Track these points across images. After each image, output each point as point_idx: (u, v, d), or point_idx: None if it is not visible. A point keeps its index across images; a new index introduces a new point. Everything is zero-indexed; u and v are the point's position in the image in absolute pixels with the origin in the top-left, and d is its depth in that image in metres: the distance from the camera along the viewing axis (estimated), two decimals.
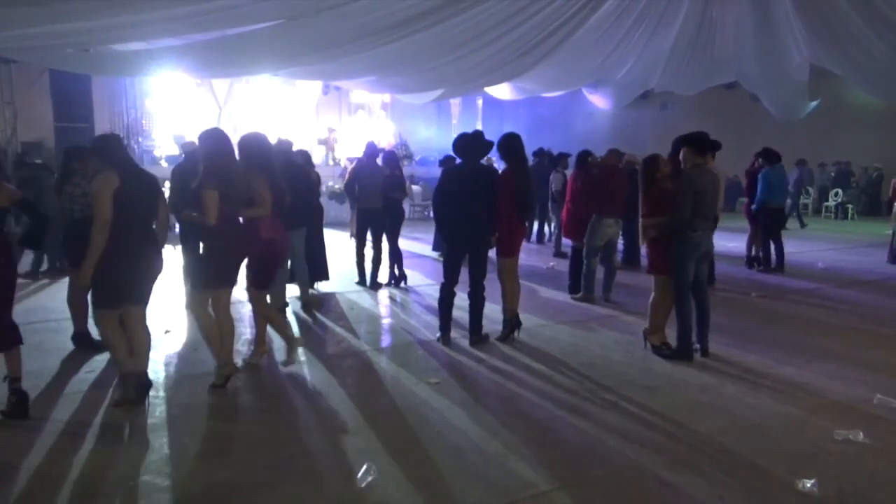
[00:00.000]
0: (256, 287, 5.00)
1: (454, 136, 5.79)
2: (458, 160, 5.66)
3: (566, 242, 9.50)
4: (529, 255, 10.81)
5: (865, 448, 3.63)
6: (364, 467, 3.28)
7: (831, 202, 19.07)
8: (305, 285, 6.96)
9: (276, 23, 8.65)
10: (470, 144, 5.49)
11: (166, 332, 5.96)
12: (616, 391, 4.54)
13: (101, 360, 5.11)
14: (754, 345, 5.69)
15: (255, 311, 5.23)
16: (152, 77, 16.58)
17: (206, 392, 4.46)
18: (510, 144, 5.68)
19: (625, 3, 9.92)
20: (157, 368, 4.95)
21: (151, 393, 4.40)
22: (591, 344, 5.73)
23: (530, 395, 4.46)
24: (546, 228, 12.47)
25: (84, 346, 5.39)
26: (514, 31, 9.87)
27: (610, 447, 3.66)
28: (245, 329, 6.01)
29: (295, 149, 8.11)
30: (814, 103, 14.59)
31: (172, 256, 9.65)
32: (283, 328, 5.23)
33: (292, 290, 6.98)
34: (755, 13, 10.30)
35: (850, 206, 18.52)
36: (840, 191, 19.09)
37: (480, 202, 5.37)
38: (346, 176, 8.31)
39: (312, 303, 6.98)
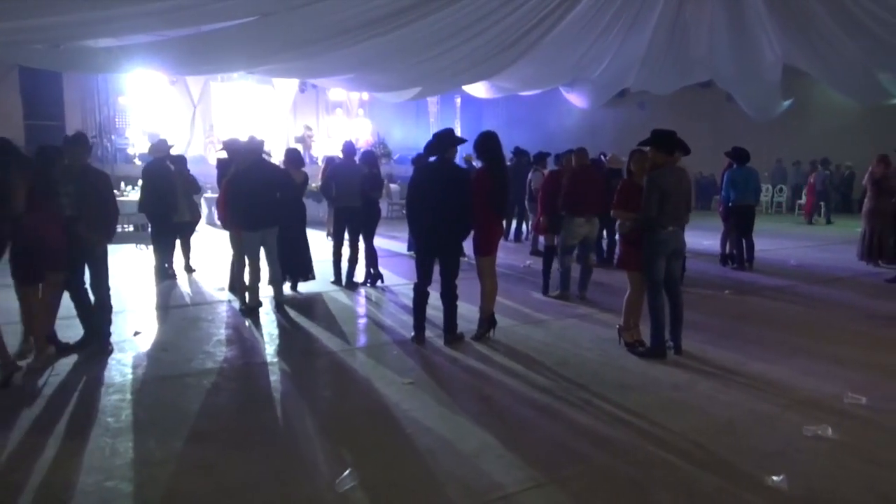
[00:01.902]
0: (18, 280, 4.86)
1: (432, 134, 5.75)
2: (431, 158, 5.63)
3: (542, 241, 9.54)
4: (507, 254, 10.81)
5: (835, 444, 3.66)
6: (346, 472, 3.21)
7: (805, 200, 19.31)
8: (279, 285, 6.87)
9: (249, 19, 8.55)
10: (438, 141, 5.47)
11: (136, 333, 5.84)
12: (590, 389, 4.54)
13: (68, 363, 4.99)
14: (727, 342, 5.73)
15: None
16: (126, 74, 16.38)
17: (175, 394, 4.37)
18: (486, 143, 5.65)
19: (600, 1, 9.96)
20: (124, 371, 4.85)
21: (118, 396, 4.31)
22: (566, 342, 5.73)
23: (504, 395, 4.44)
24: (524, 227, 12.50)
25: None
26: (490, 30, 9.87)
27: (583, 446, 3.65)
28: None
29: (285, 148, 8.05)
30: (787, 103, 14.79)
31: (143, 257, 9.54)
32: (35, 328, 4.95)
33: (267, 290, 6.90)
34: (728, 12, 10.40)
35: (822, 203, 18.77)
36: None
37: (452, 201, 5.33)
38: (321, 175, 8.25)
39: (283, 302, 6.91)
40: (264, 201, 6.34)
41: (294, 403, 4.29)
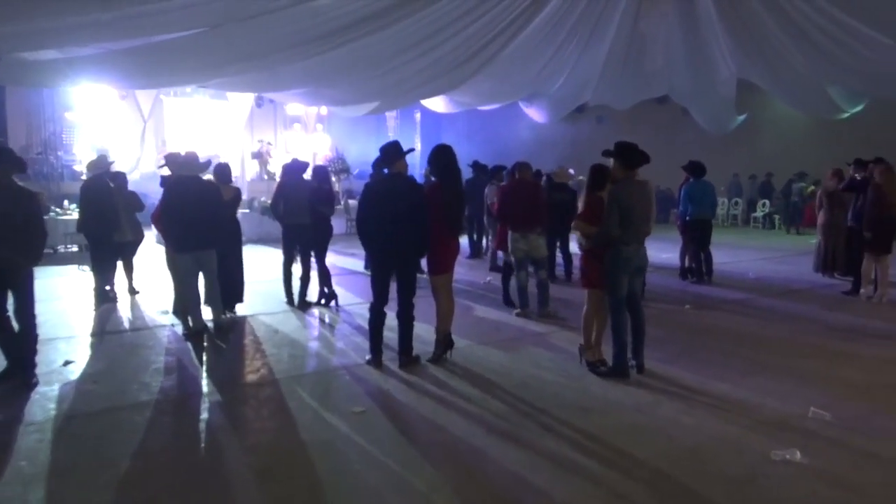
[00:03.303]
0: None
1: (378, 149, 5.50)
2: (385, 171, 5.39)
3: (501, 256, 9.37)
4: (467, 271, 10.61)
5: (803, 469, 3.50)
6: None
7: (759, 213, 19.66)
8: (217, 307, 6.52)
9: (198, 31, 8.22)
10: (385, 155, 5.23)
11: (66, 363, 5.42)
12: (550, 413, 4.32)
13: None
14: (689, 360, 5.59)
15: None
16: (73, 89, 15.81)
17: (102, 433, 4.01)
18: (440, 156, 5.42)
19: (557, 16, 9.91)
20: (48, 407, 4.45)
21: (37, 436, 3.93)
22: (526, 363, 5.51)
23: (461, 422, 4.19)
24: (484, 242, 12.33)
25: None
26: (446, 43, 9.72)
27: (543, 479, 3.42)
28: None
29: (216, 162, 7.71)
30: (741, 117, 15.01)
31: (84, 279, 9.05)
32: None
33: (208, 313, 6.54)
34: (683, 27, 10.47)
35: (776, 216, 19.13)
36: (767, 202, 19.72)
37: (405, 217, 5.10)
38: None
39: (225, 326, 6.57)
40: (198, 221, 5.99)
41: (233, 440, 3.96)
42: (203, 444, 3.92)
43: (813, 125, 18.20)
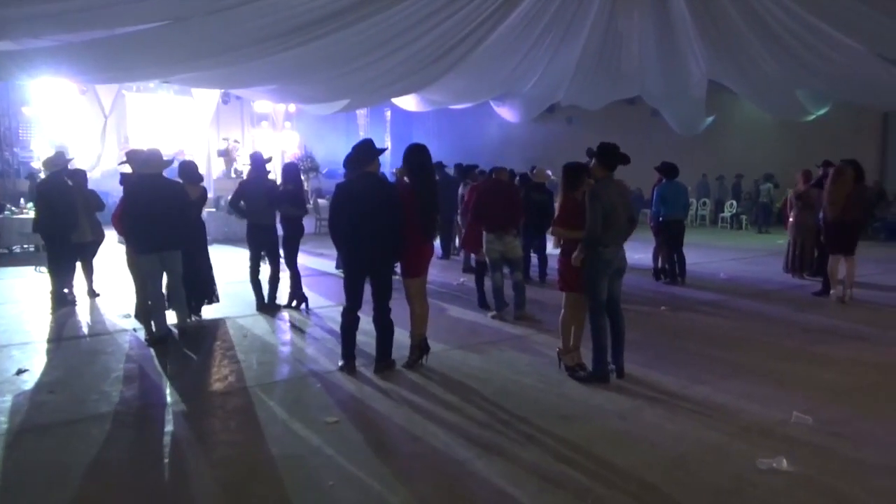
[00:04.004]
0: None
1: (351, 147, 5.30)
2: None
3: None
4: (440, 272, 10.46)
5: (791, 478, 3.42)
6: None
7: (727, 213, 19.90)
8: (182, 311, 6.25)
9: (161, 24, 7.90)
10: (358, 154, 5.04)
11: (19, 372, 5.11)
12: (531, 422, 4.19)
13: None
14: (668, 363, 5.52)
15: None
16: (30, 83, 15.24)
17: (56, 448, 3.75)
18: (415, 156, 5.23)
19: (531, 14, 9.80)
20: None
21: None
22: (504, 368, 5.37)
23: (439, 433, 4.02)
24: (457, 241, 12.20)
25: None
26: (418, 41, 9.53)
27: (525, 495, 3.27)
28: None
29: (181, 160, 7.44)
30: (710, 118, 15.14)
31: (42, 281, 8.65)
32: None
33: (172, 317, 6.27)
34: (657, 29, 10.46)
35: (744, 216, 19.39)
36: (735, 202, 19.99)
37: (379, 218, 4.92)
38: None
39: (191, 330, 6.31)
40: (161, 221, 5.72)
41: (197, 454, 3.74)
42: (166, 460, 3.68)
43: (779, 127, 18.52)
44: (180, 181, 6.51)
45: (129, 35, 8.05)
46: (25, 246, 12.08)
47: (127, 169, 6.25)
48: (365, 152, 5.06)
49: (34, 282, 9.00)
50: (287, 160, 9.27)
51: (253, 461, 3.62)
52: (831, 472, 3.54)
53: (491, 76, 12.26)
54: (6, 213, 12.40)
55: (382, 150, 5.20)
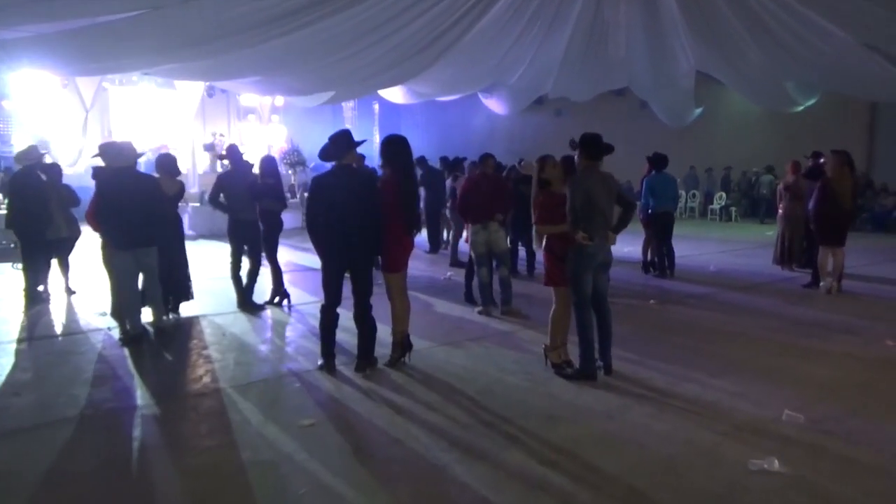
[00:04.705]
0: None
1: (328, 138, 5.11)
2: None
3: (463, 251, 9.09)
4: (427, 266, 10.33)
5: (784, 480, 3.30)
6: None
7: (716, 205, 19.85)
8: (159, 309, 6.07)
9: (136, 13, 7.67)
10: (335, 145, 4.86)
11: None
12: (515, 423, 4.04)
13: None
14: (656, 359, 5.39)
15: None
16: (10, 76, 14.93)
17: (18, 454, 3.57)
18: (392, 147, 5.06)
19: (517, 4, 9.62)
20: None
21: None
22: (489, 366, 5.23)
23: (420, 435, 3.87)
24: (445, 235, 12.06)
25: None
26: (401, 31, 9.33)
27: (507, 499, 3.13)
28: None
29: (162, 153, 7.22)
30: (698, 110, 15.02)
31: (18, 277, 8.41)
32: None
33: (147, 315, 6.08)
34: (644, 19, 10.31)
35: (733, 208, 19.33)
36: (724, 194, 19.94)
37: (357, 213, 4.75)
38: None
39: (167, 329, 6.13)
40: (136, 217, 5.53)
41: (166, 460, 3.57)
42: (133, 468, 3.51)
43: (767, 118, 18.44)
44: (155, 175, 6.31)
45: (106, 25, 7.81)
46: (4, 242, 11.80)
47: (100, 162, 6.04)
48: (342, 143, 4.88)
49: (10, 279, 8.75)
50: (264, 154, 9.03)
51: (223, 468, 3.45)
52: (824, 474, 3.42)
53: (477, 67, 12.07)
54: None
55: (360, 143, 5.03)
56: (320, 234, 4.88)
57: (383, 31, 9.19)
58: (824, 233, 8.22)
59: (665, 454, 3.63)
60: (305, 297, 7.64)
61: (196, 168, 17.06)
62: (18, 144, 15.73)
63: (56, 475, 3.37)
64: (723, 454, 3.64)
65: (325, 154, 4.90)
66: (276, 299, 7.28)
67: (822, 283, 8.39)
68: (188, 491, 3.24)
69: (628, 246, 10.93)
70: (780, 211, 9.93)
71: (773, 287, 8.81)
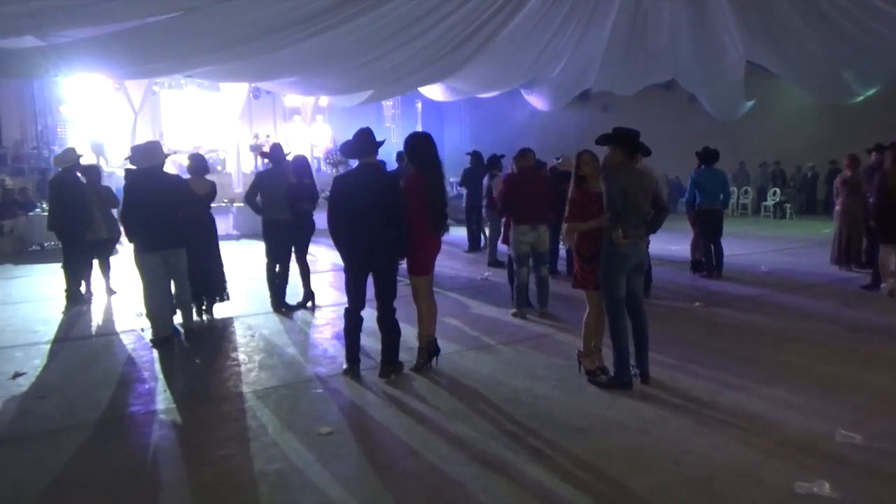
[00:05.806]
0: None
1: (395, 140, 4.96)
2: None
3: (502, 251, 8.87)
4: (465, 265, 10.16)
5: None
6: None
7: (770, 201, 19.05)
8: (188, 311, 6.05)
9: (170, 16, 7.73)
10: (360, 143, 4.72)
11: (16, 375, 4.97)
12: (541, 434, 3.82)
13: None
14: (699, 365, 5.08)
15: None
16: (66, 82, 15.42)
17: (33, 460, 3.54)
18: (416, 145, 4.89)
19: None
20: None
21: None
22: (519, 372, 5.01)
23: (440, 446, 3.69)
24: (482, 236, 11.85)
25: None
26: (437, 27, 9.18)
27: None
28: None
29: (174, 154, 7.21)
30: (750, 103, 14.41)
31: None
32: None
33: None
34: (689, 7, 9.88)
35: (788, 205, 18.52)
36: (778, 190, 19.13)
37: (380, 211, 4.59)
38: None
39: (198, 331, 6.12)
40: (164, 218, 5.51)
41: (179, 468, 3.48)
42: (142, 477, 3.42)
43: (822, 109, 17.57)
44: (185, 176, 6.30)
45: (143, 27, 7.90)
46: (55, 243, 12.13)
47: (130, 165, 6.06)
48: (366, 142, 4.73)
49: (57, 280, 8.94)
50: (297, 154, 8.92)
51: (233, 479, 3.34)
52: (881, 499, 3.09)
53: (515, 63, 11.84)
54: (37, 209, 12.50)
55: (381, 143, 4.85)
56: (342, 235, 4.75)
57: (414, 29, 9.07)
58: (885, 230, 7.69)
59: (702, 473, 3.35)
60: (339, 298, 7.54)
61: (241, 168, 17.31)
62: (76, 147, 16.24)
63: (62, 484, 3.32)
64: (766, 475, 3.33)
65: (347, 150, 4.77)
66: (306, 301, 7.20)
67: (883, 285, 7.85)
68: (195, 501, 3.14)
69: (675, 244, 10.53)
70: (838, 207, 9.37)
71: (830, 288, 8.29)
